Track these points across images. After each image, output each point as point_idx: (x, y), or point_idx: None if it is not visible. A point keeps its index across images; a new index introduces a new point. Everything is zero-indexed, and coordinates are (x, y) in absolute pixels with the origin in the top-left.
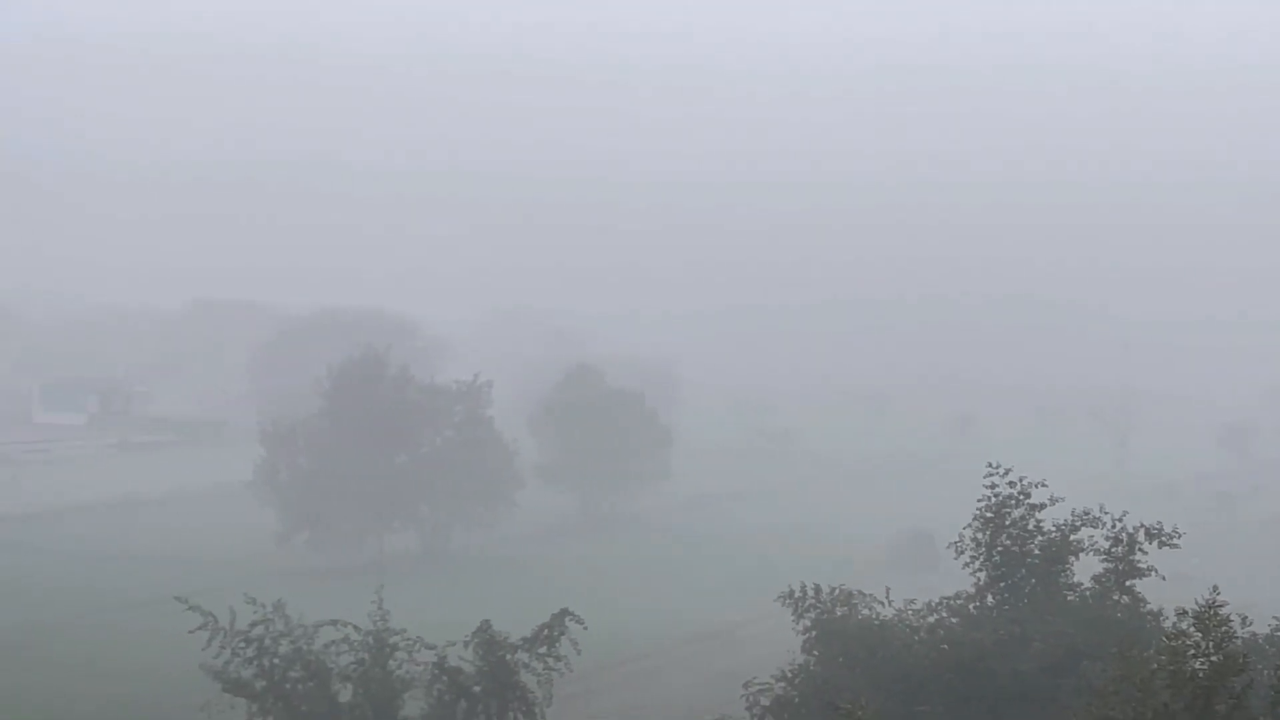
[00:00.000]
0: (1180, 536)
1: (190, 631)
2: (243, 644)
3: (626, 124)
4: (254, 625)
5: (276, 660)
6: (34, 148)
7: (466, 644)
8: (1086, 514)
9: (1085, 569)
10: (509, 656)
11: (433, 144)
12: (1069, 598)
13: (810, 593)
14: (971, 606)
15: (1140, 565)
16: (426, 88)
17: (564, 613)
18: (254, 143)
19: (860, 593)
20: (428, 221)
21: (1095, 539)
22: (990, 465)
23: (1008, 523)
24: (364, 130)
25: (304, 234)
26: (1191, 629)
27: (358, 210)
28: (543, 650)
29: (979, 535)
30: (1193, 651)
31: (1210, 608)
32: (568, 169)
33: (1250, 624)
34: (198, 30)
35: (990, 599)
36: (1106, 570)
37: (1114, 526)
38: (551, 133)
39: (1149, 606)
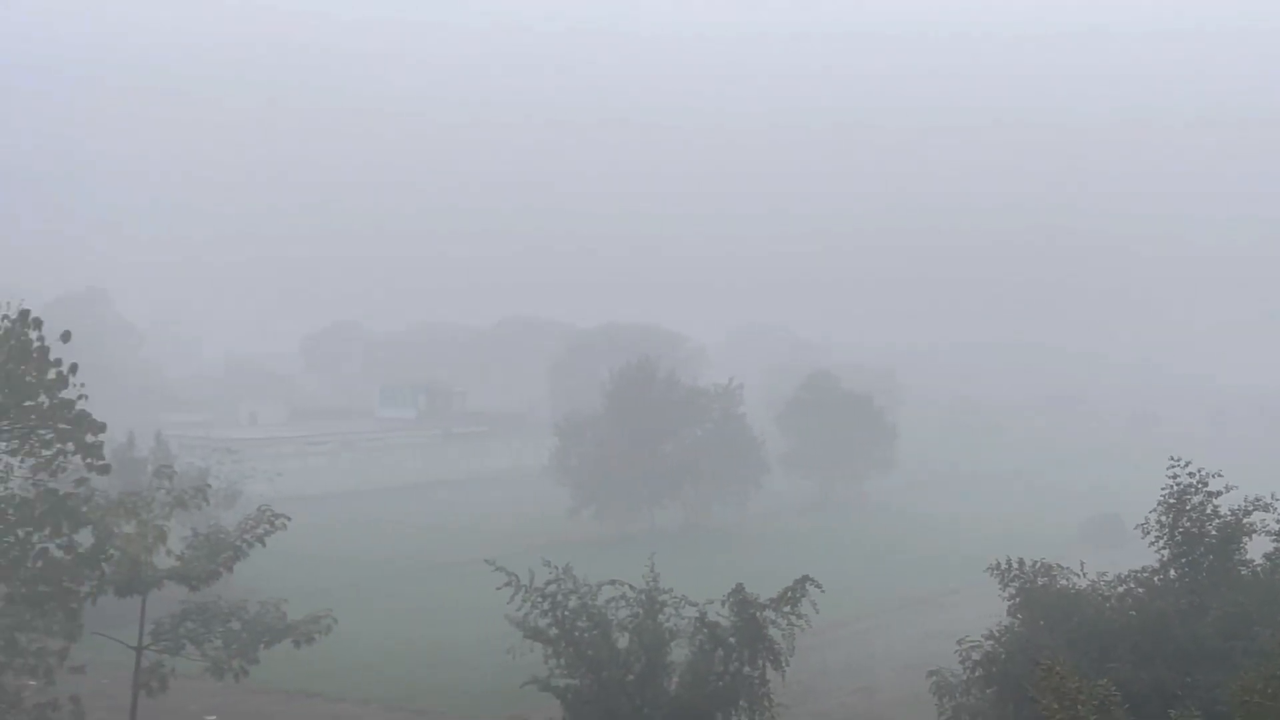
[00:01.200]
0: None
1: (497, 588)
2: (540, 599)
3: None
4: (548, 584)
5: (567, 612)
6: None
7: (723, 602)
8: (1258, 500)
9: (1258, 548)
10: (759, 614)
11: (705, 184)
12: (1243, 573)
13: (1014, 565)
14: (1156, 579)
15: None
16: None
17: (805, 578)
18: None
19: (1059, 565)
20: (690, 247)
21: (1266, 522)
22: (1172, 459)
23: (1188, 508)
24: (636, 170)
25: (580, 258)
26: None
27: (626, 238)
28: (787, 609)
29: (1162, 519)
30: None
31: None
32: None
33: None
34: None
35: (1172, 573)
36: (1277, 549)
37: None
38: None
39: None
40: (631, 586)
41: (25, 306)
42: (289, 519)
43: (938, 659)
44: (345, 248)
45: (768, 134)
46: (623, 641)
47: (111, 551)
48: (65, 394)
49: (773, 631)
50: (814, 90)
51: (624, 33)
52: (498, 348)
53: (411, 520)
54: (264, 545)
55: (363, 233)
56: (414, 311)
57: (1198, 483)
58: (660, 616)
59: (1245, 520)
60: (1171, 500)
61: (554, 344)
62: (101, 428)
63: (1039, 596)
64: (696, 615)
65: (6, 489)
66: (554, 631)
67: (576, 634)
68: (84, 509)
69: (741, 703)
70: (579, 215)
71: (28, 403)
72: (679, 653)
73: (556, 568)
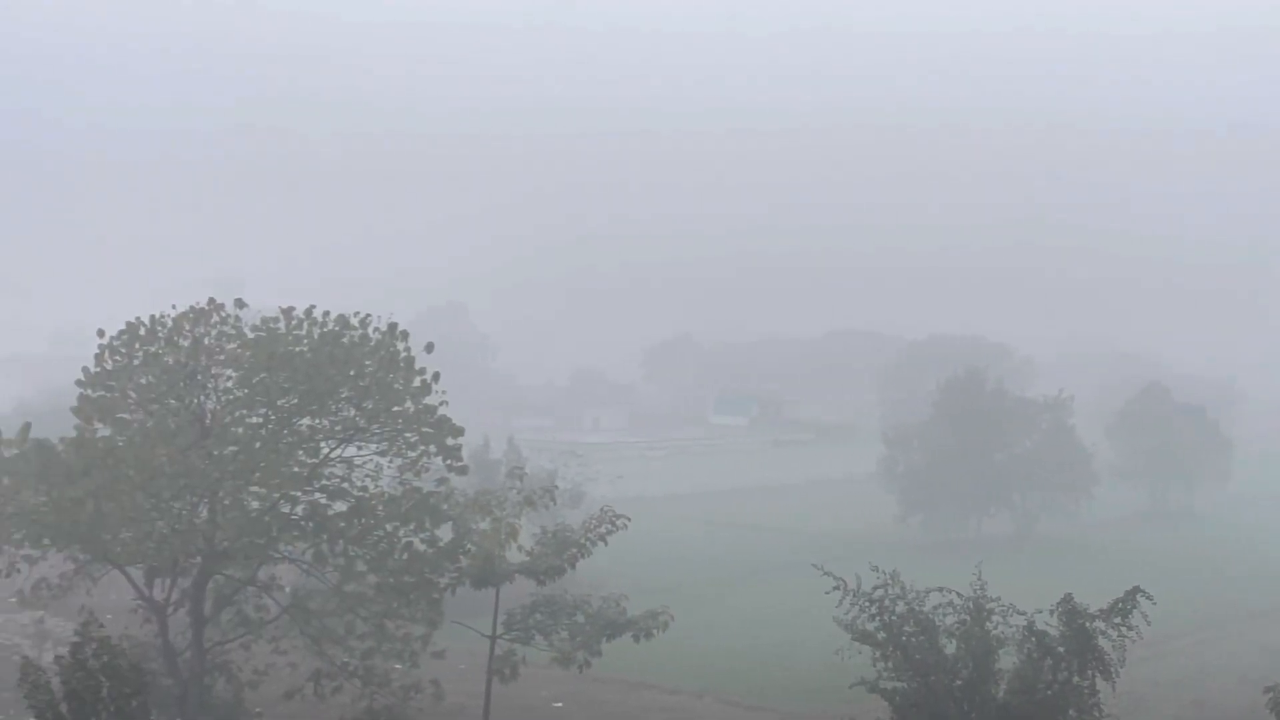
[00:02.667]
0: None
1: (826, 592)
2: (867, 603)
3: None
4: (876, 588)
5: (894, 617)
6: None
7: (1051, 612)
8: None
9: None
10: (1088, 624)
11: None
12: None
13: None
14: None
15: None
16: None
17: (1136, 589)
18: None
19: None
20: (1015, 258)
21: None
22: None
23: None
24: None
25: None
26: None
27: (951, 248)
28: (1117, 620)
29: None
30: None
31: None
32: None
33: None
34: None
35: None
36: None
37: None
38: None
39: None
40: (958, 593)
41: (394, 320)
42: (629, 519)
43: (1275, 674)
44: (684, 262)
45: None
46: (949, 648)
47: (469, 546)
48: (428, 400)
49: (1102, 642)
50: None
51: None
52: (827, 359)
53: (742, 523)
54: (605, 544)
55: (700, 246)
56: (748, 324)
57: None
58: (988, 624)
59: None
60: None
61: (881, 355)
62: (460, 431)
63: None
64: (1025, 624)
65: (377, 487)
66: (881, 635)
67: (904, 639)
68: (444, 506)
69: (1071, 712)
70: (906, 227)
71: (395, 408)
72: (1006, 660)
73: (884, 573)
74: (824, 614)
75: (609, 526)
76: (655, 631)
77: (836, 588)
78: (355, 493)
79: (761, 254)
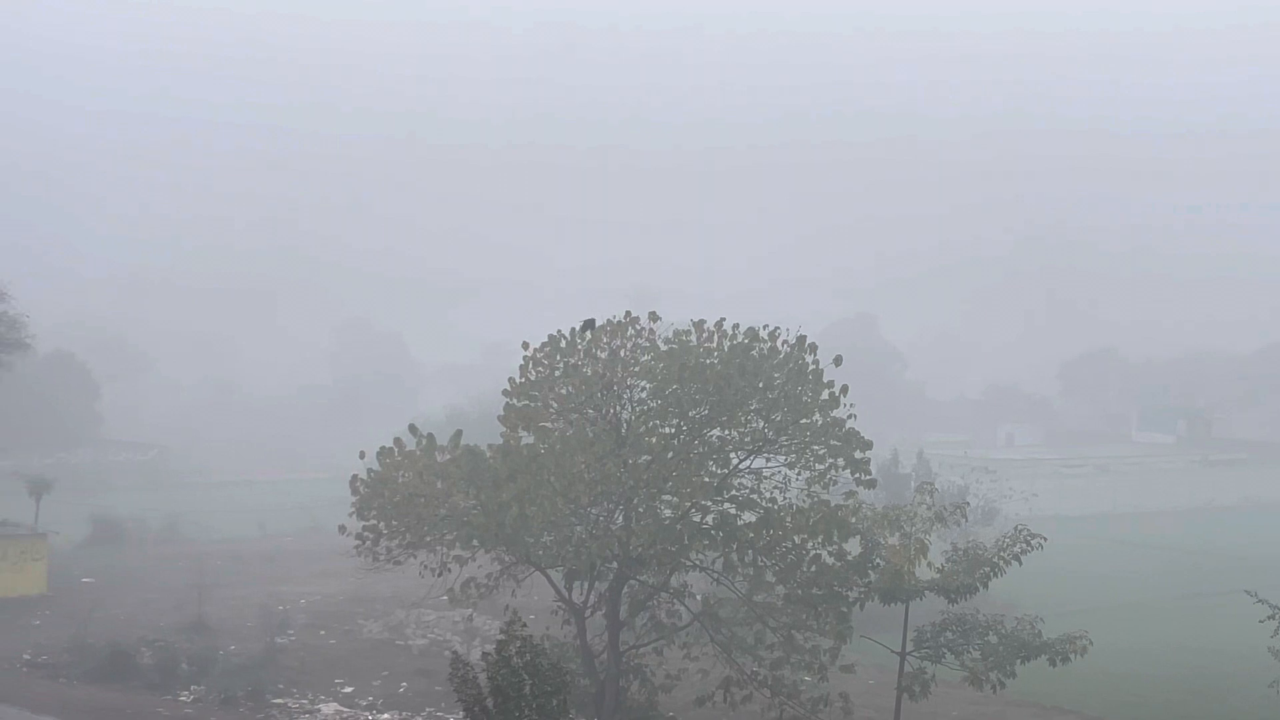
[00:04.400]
0: None
1: (1260, 621)
2: None
3: None
4: None
5: None
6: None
7: None
8: None
9: None
10: None
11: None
12: None
13: None
14: None
15: None
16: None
17: None
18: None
19: None
20: None
21: None
22: None
23: None
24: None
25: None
26: None
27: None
28: None
29: None
30: None
31: None
32: None
33: None
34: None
35: None
36: None
37: None
38: None
39: None
40: None
41: (802, 332)
42: (1044, 538)
43: None
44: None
45: None
46: None
47: (877, 561)
48: (836, 413)
49: None
50: None
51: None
52: (1265, 375)
53: (1169, 545)
54: (1019, 563)
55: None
56: (1173, 337)
57: None
58: None
59: None
60: None
61: None
62: (869, 445)
63: None
64: None
65: (785, 498)
66: None
67: None
68: (852, 520)
69: None
70: None
71: (804, 420)
72: None
73: None
74: (1259, 644)
75: (1023, 545)
76: (1072, 656)
77: (1271, 617)
78: (764, 504)
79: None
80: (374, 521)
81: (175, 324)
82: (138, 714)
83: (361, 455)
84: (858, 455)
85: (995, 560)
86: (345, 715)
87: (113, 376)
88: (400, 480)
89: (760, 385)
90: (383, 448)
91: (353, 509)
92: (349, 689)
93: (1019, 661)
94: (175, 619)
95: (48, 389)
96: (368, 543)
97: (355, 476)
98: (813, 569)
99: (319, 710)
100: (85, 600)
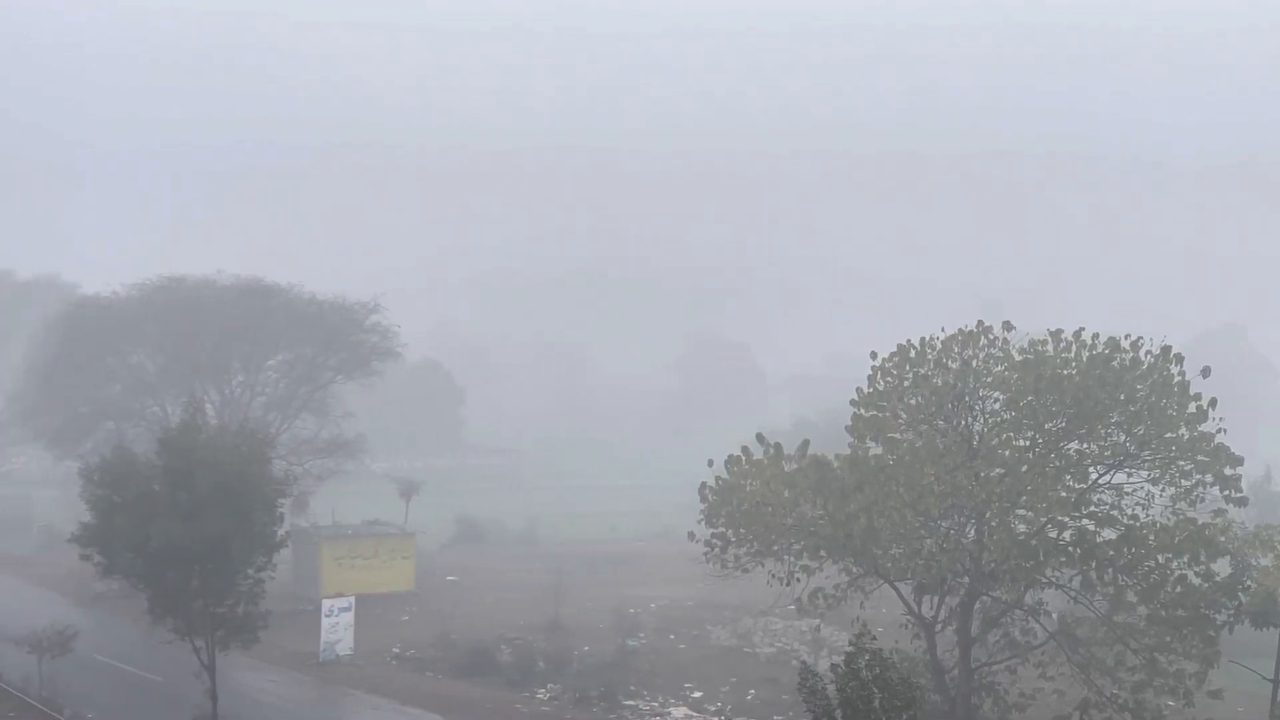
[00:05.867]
0: None
1: None
2: None
3: None
4: None
5: None
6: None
7: None
8: None
9: None
10: None
11: None
12: None
13: None
14: None
15: None
16: None
17: None
18: None
19: None
20: None
21: None
22: None
23: None
24: None
25: None
26: None
27: None
28: None
29: None
30: None
31: None
32: None
33: None
34: None
35: None
36: None
37: None
38: None
39: None
40: None
41: (1167, 343)
42: None
43: None
44: None
45: None
46: None
47: (1248, 582)
48: (1204, 427)
49: None
50: None
51: None
52: None
53: None
54: None
55: None
56: None
57: None
58: None
59: None
60: None
61: None
62: (1239, 461)
63: None
64: None
65: (1148, 515)
66: None
67: None
68: (1221, 539)
69: None
70: None
71: (1168, 434)
72: None
73: None
74: None
75: None
76: None
77: None
78: (1125, 520)
79: None
80: (722, 529)
81: (527, 331)
82: (498, 709)
83: (710, 463)
84: (1227, 471)
85: None
86: None
87: (481, 381)
88: (748, 489)
89: (1122, 397)
90: (731, 456)
91: (701, 516)
92: (698, 694)
93: None
94: (532, 618)
95: (418, 395)
96: (716, 550)
97: (704, 484)
98: (1178, 589)
99: (669, 714)
100: (449, 597)
